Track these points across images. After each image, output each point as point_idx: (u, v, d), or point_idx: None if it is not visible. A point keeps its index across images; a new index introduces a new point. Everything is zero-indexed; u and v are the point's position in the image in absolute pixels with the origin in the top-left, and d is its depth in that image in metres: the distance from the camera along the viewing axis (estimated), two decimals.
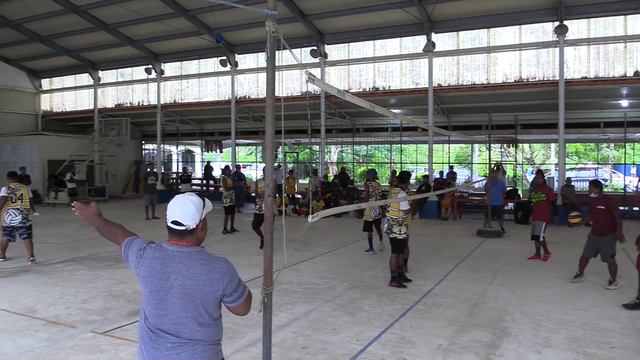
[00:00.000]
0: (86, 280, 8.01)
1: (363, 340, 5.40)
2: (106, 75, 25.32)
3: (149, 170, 17.03)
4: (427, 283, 7.93)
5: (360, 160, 31.08)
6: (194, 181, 26.66)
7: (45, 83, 27.37)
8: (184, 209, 2.40)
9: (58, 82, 27.16)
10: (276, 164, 20.02)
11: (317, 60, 19.06)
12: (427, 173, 18.38)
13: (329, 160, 28.74)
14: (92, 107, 25.48)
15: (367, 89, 18.91)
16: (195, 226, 2.42)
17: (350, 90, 18.32)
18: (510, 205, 16.79)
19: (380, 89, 18.78)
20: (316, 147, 28.67)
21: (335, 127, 21.51)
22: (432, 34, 17.09)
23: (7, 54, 24.73)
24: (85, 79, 25.78)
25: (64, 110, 27.04)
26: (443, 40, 17.48)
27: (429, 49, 17.05)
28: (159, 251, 2.42)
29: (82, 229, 13.92)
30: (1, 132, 24.66)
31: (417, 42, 17.76)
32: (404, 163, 25.89)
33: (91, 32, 21.10)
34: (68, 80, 26.68)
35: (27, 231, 9.54)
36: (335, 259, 9.94)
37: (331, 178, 20.63)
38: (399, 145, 23.77)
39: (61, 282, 7.90)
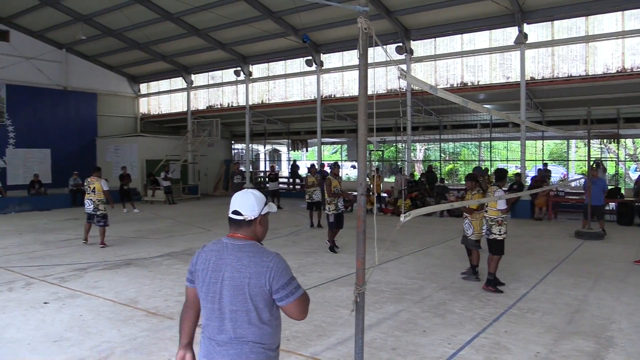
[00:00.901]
0: (182, 274, 8.39)
1: (455, 344, 5.23)
2: (198, 79, 26.49)
3: (235, 169, 17.53)
4: (521, 286, 7.56)
5: (447, 158, 30.33)
6: (280, 180, 27.23)
7: (143, 87, 29.10)
8: (244, 199, 2.44)
9: (154, 86, 28.81)
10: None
11: (402, 57, 18.80)
12: (518, 171, 17.56)
13: (414, 158, 28.30)
14: (185, 109, 26.77)
15: (455, 85, 18.40)
16: (253, 218, 2.42)
17: (437, 87, 17.89)
18: (612, 205, 15.67)
19: (469, 84, 18.20)
20: (401, 145, 28.36)
21: (422, 125, 21.12)
22: (524, 24, 16.27)
23: (110, 62, 26.54)
24: (179, 82, 27.14)
25: (160, 112, 28.64)
26: (536, 31, 16.62)
27: (521, 41, 16.27)
28: (216, 244, 2.46)
29: (177, 226, 14.66)
30: (105, 134, 26.56)
31: (507, 34, 17.02)
32: (494, 160, 24.92)
33: (184, 38, 22.14)
34: (163, 84, 28.23)
35: (100, 220, 11.21)
36: (423, 258, 9.75)
37: (417, 176, 20.27)
38: (488, 142, 22.93)
39: (159, 275, 8.34)
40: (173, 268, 8.85)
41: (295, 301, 2.35)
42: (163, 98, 28.50)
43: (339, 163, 16.88)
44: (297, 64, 22.52)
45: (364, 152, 3.19)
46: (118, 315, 6.22)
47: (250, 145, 25.64)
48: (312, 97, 21.99)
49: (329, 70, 21.52)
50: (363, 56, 3.12)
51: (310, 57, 21.12)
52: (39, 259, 9.79)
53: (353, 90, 20.90)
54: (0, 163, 22.58)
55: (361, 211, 3.26)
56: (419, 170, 27.47)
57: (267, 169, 32.61)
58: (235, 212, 2.43)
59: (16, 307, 6.54)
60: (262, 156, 33.83)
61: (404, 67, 18.58)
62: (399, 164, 26.96)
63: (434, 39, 18.81)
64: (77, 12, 20.81)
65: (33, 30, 23.26)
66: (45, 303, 6.72)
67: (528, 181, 18.67)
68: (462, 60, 18.39)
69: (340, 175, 12.33)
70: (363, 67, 3.13)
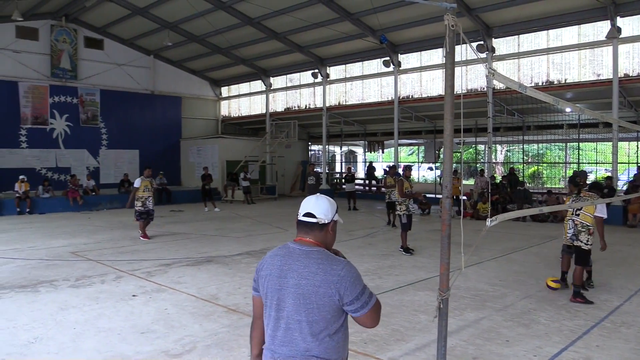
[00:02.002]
0: None
1: (541, 356, 4.96)
2: (276, 81, 27.03)
3: (309, 170, 17.62)
4: (613, 298, 7.07)
5: (530, 160, 29.04)
6: (356, 181, 27.22)
7: (224, 91, 30.09)
8: (318, 202, 2.34)
9: (235, 89, 29.71)
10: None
11: (484, 55, 18.20)
12: (609, 174, 16.49)
13: (494, 160, 27.34)
14: (264, 111, 27.39)
15: (540, 83, 17.57)
16: (326, 222, 2.31)
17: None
18: None
19: (555, 82, 17.32)
20: (481, 147, 27.48)
21: (503, 125, 20.35)
22: (617, 18, 15.27)
23: (194, 66, 27.68)
24: (258, 85, 27.82)
25: (239, 115, 29.50)
26: (631, 25, 15.53)
27: (614, 35, 15.24)
28: (282, 249, 2.35)
29: (255, 225, 15.01)
30: (188, 135, 27.72)
31: (598, 29, 16.05)
32: (581, 163, 23.58)
33: (264, 42, 22.67)
34: (243, 87, 29.05)
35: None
36: (505, 265, 9.36)
37: (498, 179, 19.53)
38: (576, 143, 21.72)
39: (239, 273, 8.56)
40: (252, 266, 9.05)
41: (369, 312, 2.22)
42: (243, 101, 29.33)
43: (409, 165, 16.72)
44: (375, 65, 22.41)
45: (450, 153, 3.08)
46: (200, 310, 6.43)
47: (326, 146, 25.81)
48: (390, 98, 21.79)
49: (406, 71, 21.25)
50: (450, 54, 3.03)
51: (387, 58, 20.94)
52: (127, 254, 10.35)
53: (431, 90, 20.52)
54: (94, 162, 24.14)
55: (446, 215, 3.15)
56: (499, 172, 26.50)
57: (343, 170, 32.76)
58: (308, 215, 2.32)
59: (108, 299, 6.94)
60: (338, 157, 33.98)
61: (482, 66, 17.98)
62: (478, 165, 26.19)
63: (517, 36, 18.08)
64: (164, 19, 21.87)
65: (124, 38, 24.71)
66: (133, 296, 7.08)
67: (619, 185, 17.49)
68: (547, 58, 17.54)
69: (411, 177, 12.31)
70: (450, 65, 3.04)
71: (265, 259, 2.38)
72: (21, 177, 18.57)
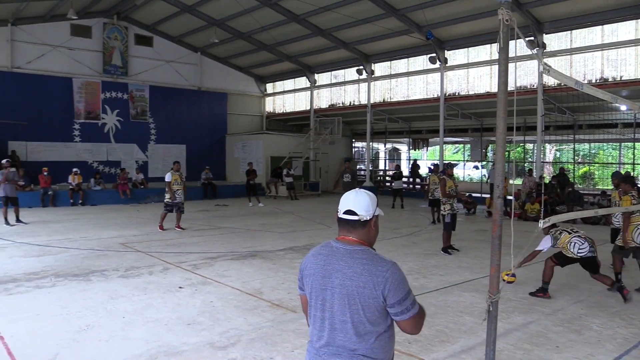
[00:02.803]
0: None
1: None
2: (321, 78, 27.06)
3: (345, 167, 17.42)
4: None
5: (580, 160, 28.08)
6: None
7: (269, 87, 30.35)
8: (358, 198, 2.26)
9: (279, 85, 29.92)
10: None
11: (534, 51, 17.66)
12: None
13: (543, 160, 26.57)
14: (308, 107, 27.48)
15: (594, 80, 16.91)
16: (369, 218, 2.24)
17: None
18: None
19: (610, 79, 16.65)
20: (529, 146, 26.76)
21: (553, 124, 19.72)
22: None
23: (240, 63, 28.03)
24: (302, 82, 27.94)
25: (284, 111, 29.70)
26: None
27: None
28: (325, 248, 2.30)
29: (298, 221, 15.10)
30: (234, 131, 28.12)
31: None
32: (636, 164, 22.62)
33: (309, 38, 22.72)
34: (288, 84, 29.22)
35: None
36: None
37: (547, 179, 18.95)
38: (631, 143, 20.83)
39: (283, 268, 8.62)
40: (296, 262, 9.09)
41: (409, 319, 2.16)
42: (287, 97, 29.51)
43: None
44: (420, 62, 22.13)
45: (502, 151, 3.00)
46: (244, 304, 6.50)
47: (370, 143, 25.67)
48: (435, 95, 21.48)
49: (453, 67, 20.89)
50: (504, 50, 2.94)
51: (433, 54, 20.63)
52: (174, 246, 10.59)
53: (479, 88, 20.10)
54: (142, 157, 24.82)
55: (498, 215, 3.07)
56: (548, 172, 25.73)
57: (387, 167, 32.55)
58: (349, 212, 2.25)
59: (155, 290, 7.11)
60: (381, 155, 33.76)
61: (531, 63, 17.51)
62: (526, 165, 25.52)
63: (569, 32, 17.47)
64: (211, 17, 22.23)
65: (172, 36, 25.27)
66: (180, 288, 7.23)
67: None
68: (602, 54, 16.88)
69: (454, 175, 12.09)
70: (503, 61, 2.96)
71: (308, 257, 2.36)
72: (74, 169, 19.31)
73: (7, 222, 13.33)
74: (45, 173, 18.25)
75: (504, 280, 7.14)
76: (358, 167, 29.02)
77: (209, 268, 8.54)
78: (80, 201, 18.97)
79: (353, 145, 30.46)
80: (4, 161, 14.13)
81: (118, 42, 23.72)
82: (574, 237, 6.90)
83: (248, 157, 24.79)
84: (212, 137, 27.44)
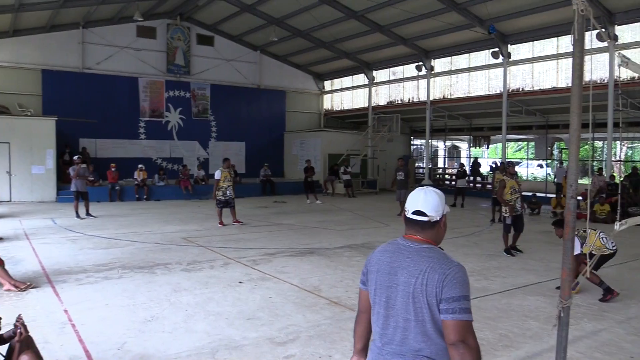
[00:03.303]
0: (362, 266, 8.50)
1: None
2: (379, 75, 26.81)
3: (398, 165, 16.91)
4: None
5: None
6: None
7: (327, 84, 30.37)
8: (428, 198, 2.20)
9: (337, 83, 29.89)
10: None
11: (604, 44, 16.78)
12: None
13: (614, 158, 25.27)
14: (366, 105, 27.29)
15: None
16: (438, 218, 2.19)
17: None
18: None
19: None
20: (598, 144, 25.54)
21: (625, 120, 18.68)
22: None
23: (298, 61, 28.20)
24: (361, 79, 27.78)
25: (342, 108, 29.64)
26: None
27: None
28: (391, 245, 2.26)
29: (356, 219, 15.03)
30: (292, 129, 28.35)
31: None
32: None
33: (367, 35, 22.54)
34: (346, 81, 29.13)
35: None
36: (627, 273, 8.57)
37: (618, 178, 17.98)
38: None
39: (341, 266, 8.59)
40: (354, 260, 9.05)
41: (455, 323, 2.01)
42: (345, 94, 29.45)
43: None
44: (482, 57, 21.51)
45: (577, 149, 2.83)
46: (303, 301, 6.52)
47: (429, 141, 25.22)
48: (498, 91, 20.82)
49: (517, 62, 20.16)
50: (579, 42, 2.77)
51: (496, 49, 19.98)
52: (234, 242, 10.79)
53: (544, 83, 19.32)
54: (204, 154, 25.46)
55: (570, 216, 2.90)
56: (618, 171, 24.43)
57: (446, 165, 31.93)
58: (418, 212, 2.20)
59: (216, 284, 7.26)
60: (440, 152, 33.13)
61: (601, 56, 16.68)
62: (595, 164, 24.37)
63: None
64: (270, 15, 22.47)
65: (233, 35, 25.72)
66: (240, 282, 7.35)
67: None
68: None
69: (517, 174, 11.63)
70: (578, 54, 2.79)
71: (375, 253, 2.32)
72: (140, 166, 20.08)
73: (78, 216, 14.07)
74: (112, 169, 19.12)
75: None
76: (417, 165, 28.59)
77: (267, 264, 8.63)
78: (145, 196, 19.70)
79: (412, 142, 30.03)
80: (75, 157, 14.92)
81: (181, 42, 24.41)
82: (600, 233, 6.95)
83: (306, 155, 24.90)
84: (271, 134, 27.78)
